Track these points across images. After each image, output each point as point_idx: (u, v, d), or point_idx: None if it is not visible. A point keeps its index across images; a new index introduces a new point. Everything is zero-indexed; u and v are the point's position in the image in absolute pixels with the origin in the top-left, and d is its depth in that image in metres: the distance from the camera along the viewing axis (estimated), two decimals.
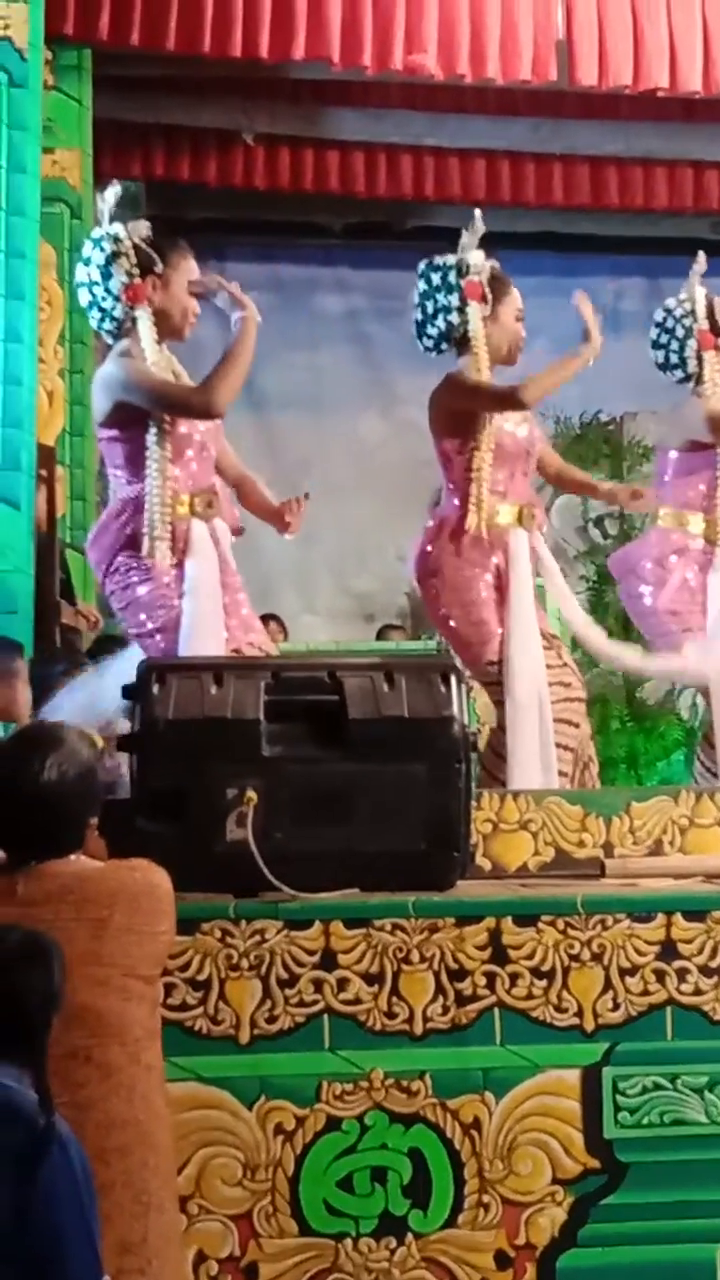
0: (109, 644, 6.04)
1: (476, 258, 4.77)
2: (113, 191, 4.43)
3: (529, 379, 4.70)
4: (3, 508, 4.72)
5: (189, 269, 4.38)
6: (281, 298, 9.09)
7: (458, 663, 3.56)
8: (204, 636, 4.24)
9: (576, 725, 4.74)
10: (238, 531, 4.50)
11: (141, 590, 4.32)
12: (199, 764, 3.28)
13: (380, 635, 8.83)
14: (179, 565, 4.29)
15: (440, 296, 4.77)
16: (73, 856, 2.70)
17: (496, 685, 4.68)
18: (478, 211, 4.91)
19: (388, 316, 9.13)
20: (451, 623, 4.74)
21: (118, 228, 4.35)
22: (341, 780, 3.33)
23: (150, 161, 7.86)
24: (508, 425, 4.75)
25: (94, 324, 4.46)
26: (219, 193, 8.19)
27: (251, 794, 3.26)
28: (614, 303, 9.52)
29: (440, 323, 4.79)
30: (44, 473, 5.38)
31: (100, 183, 7.17)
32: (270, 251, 8.83)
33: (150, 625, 4.32)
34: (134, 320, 4.31)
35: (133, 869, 2.73)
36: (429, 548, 4.76)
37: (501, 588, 4.67)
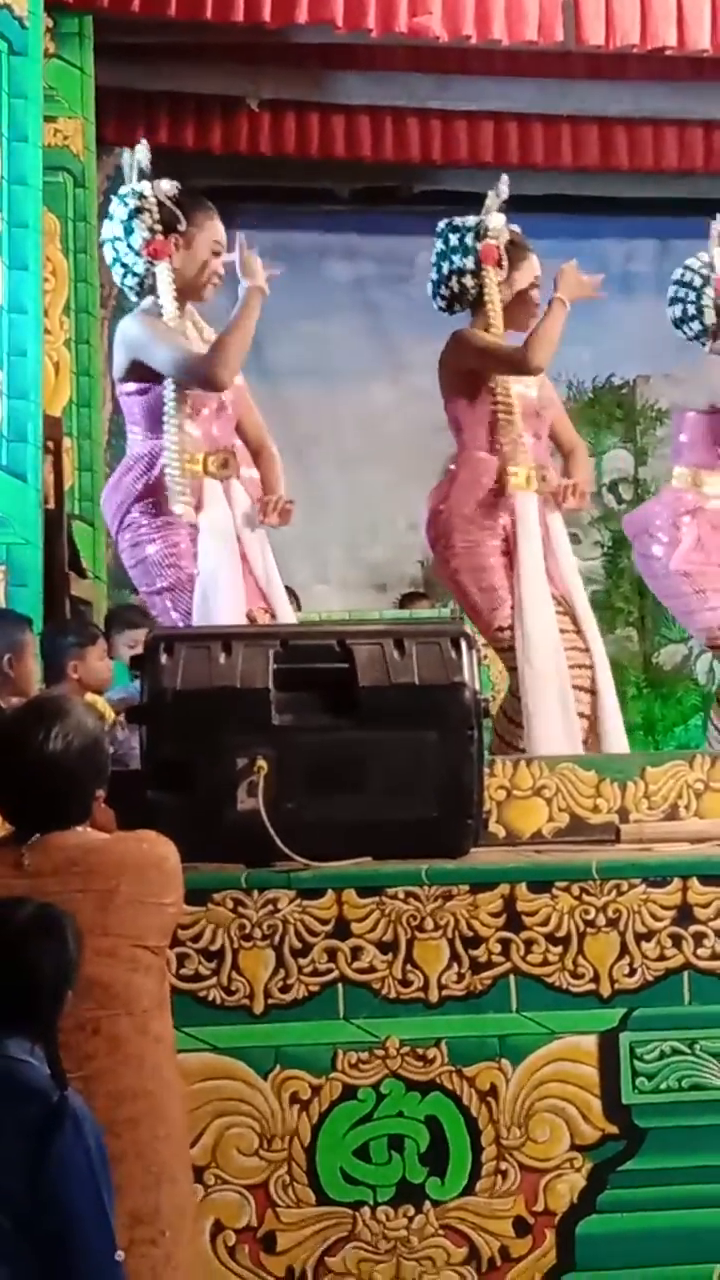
0: (126, 613, 6.04)
1: (496, 221, 4.75)
2: (141, 149, 4.43)
3: (530, 341, 4.64)
4: (10, 479, 4.69)
5: (214, 229, 4.38)
6: (289, 265, 9.01)
7: (469, 628, 3.53)
8: (220, 596, 4.24)
9: (592, 692, 4.70)
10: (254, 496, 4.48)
11: (150, 550, 4.33)
12: (208, 734, 3.26)
13: (403, 603, 8.79)
14: (191, 525, 4.30)
15: (456, 258, 4.75)
16: (79, 828, 2.69)
17: (509, 651, 4.66)
18: (504, 176, 4.89)
19: (396, 283, 9.07)
20: (462, 587, 4.72)
21: (144, 185, 4.36)
22: (353, 748, 3.31)
23: (154, 129, 7.77)
24: (518, 386, 4.72)
25: (118, 280, 4.48)
26: (224, 160, 8.13)
27: (262, 763, 3.24)
28: (625, 265, 9.44)
29: (454, 284, 4.78)
30: (51, 444, 5.35)
31: (103, 150, 7.17)
32: (277, 219, 8.76)
33: (159, 584, 4.34)
34: (154, 276, 4.32)
35: (140, 840, 2.71)
36: (440, 508, 4.74)
37: (510, 551, 4.64)
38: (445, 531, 4.71)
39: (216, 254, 4.36)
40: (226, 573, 4.27)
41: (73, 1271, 2.26)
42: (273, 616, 4.37)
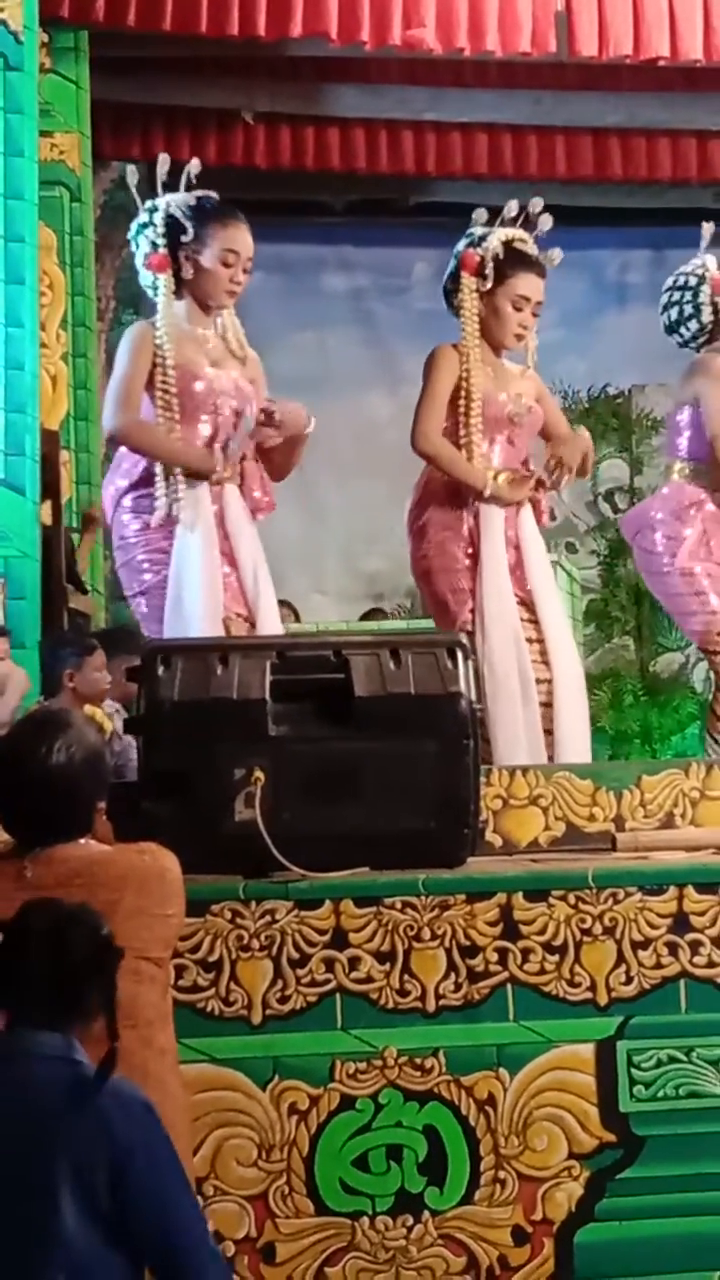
0: (122, 633, 6.06)
1: (498, 233, 4.72)
2: (161, 161, 4.54)
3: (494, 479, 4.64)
4: (7, 493, 4.71)
5: (226, 239, 4.43)
6: (285, 278, 9.06)
7: (464, 639, 3.54)
8: (188, 604, 4.28)
9: (547, 705, 4.62)
10: (258, 509, 4.52)
11: (121, 555, 4.45)
12: (205, 745, 3.28)
13: (366, 618, 8.76)
14: (167, 526, 4.36)
15: (452, 262, 4.77)
16: (81, 840, 2.69)
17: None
18: (538, 199, 4.83)
19: (392, 294, 9.10)
20: (432, 584, 4.71)
21: (161, 200, 4.48)
22: (349, 758, 3.33)
23: (149, 143, 7.81)
24: (500, 395, 4.71)
25: (146, 289, 4.60)
26: (219, 173, 8.09)
27: (259, 774, 3.25)
28: (620, 275, 9.48)
29: (444, 286, 4.80)
30: (49, 457, 5.37)
31: (99, 165, 7.20)
32: (272, 231, 8.78)
33: (135, 588, 4.44)
34: (156, 288, 4.47)
35: (142, 852, 2.72)
36: (415, 505, 4.77)
37: (476, 554, 4.63)
38: (419, 529, 4.72)
39: (227, 264, 4.43)
40: (195, 585, 4.30)
41: (178, 1252, 2.21)
42: (252, 625, 4.38)
